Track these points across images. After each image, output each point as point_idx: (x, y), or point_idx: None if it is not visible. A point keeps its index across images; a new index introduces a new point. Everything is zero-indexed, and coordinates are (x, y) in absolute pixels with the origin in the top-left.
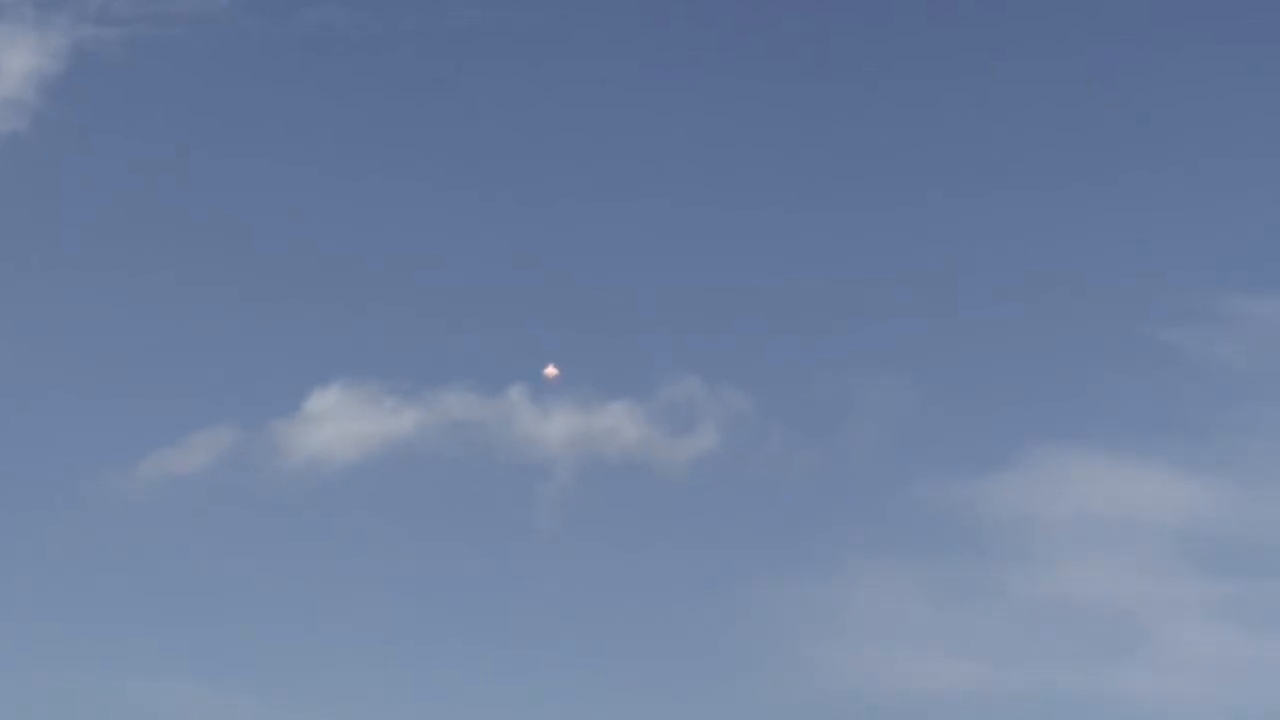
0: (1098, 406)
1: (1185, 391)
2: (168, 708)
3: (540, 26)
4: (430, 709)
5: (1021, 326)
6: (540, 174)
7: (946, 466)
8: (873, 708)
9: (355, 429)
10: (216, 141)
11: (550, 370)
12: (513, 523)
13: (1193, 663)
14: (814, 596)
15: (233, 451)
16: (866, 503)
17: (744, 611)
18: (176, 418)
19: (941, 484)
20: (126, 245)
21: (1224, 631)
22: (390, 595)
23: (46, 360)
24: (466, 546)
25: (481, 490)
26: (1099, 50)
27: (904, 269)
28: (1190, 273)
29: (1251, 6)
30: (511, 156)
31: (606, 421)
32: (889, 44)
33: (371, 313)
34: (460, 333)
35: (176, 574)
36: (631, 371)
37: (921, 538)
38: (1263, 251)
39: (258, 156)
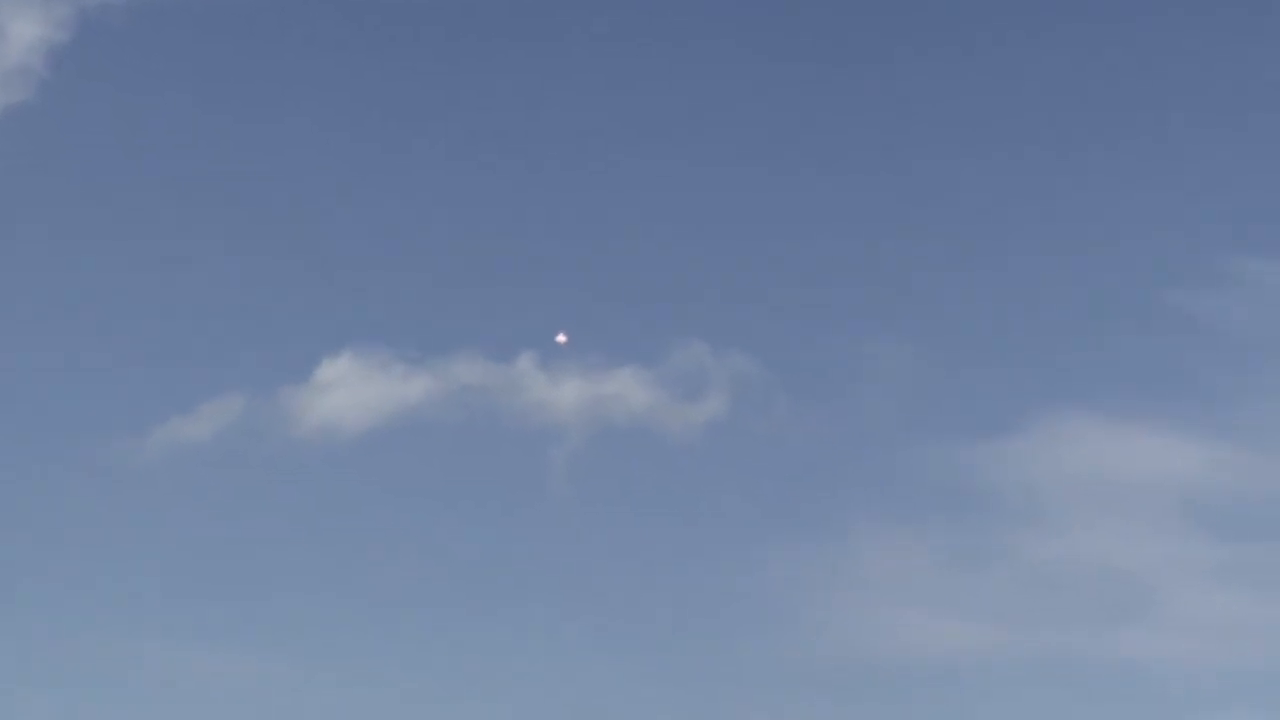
0: (1106, 370)
1: (1194, 355)
2: (179, 671)
3: None
4: (441, 673)
5: (1030, 290)
6: (547, 141)
7: (955, 431)
8: (881, 671)
9: (365, 396)
10: (222, 108)
11: (560, 337)
12: (523, 488)
13: (1200, 625)
14: (822, 560)
15: (244, 419)
16: (875, 467)
17: (753, 575)
18: (189, 386)
19: (950, 448)
20: (135, 214)
21: (1232, 594)
22: (401, 560)
23: (57, 330)
24: (477, 512)
25: (491, 456)
26: (1110, 12)
27: (912, 233)
28: (1200, 235)
29: None
30: (518, 123)
31: (615, 387)
32: (898, 3)
33: (381, 281)
34: (469, 300)
35: (189, 540)
36: (640, 337)
37: (929, 502)
38: (1274, 213)
39: (265, 123)
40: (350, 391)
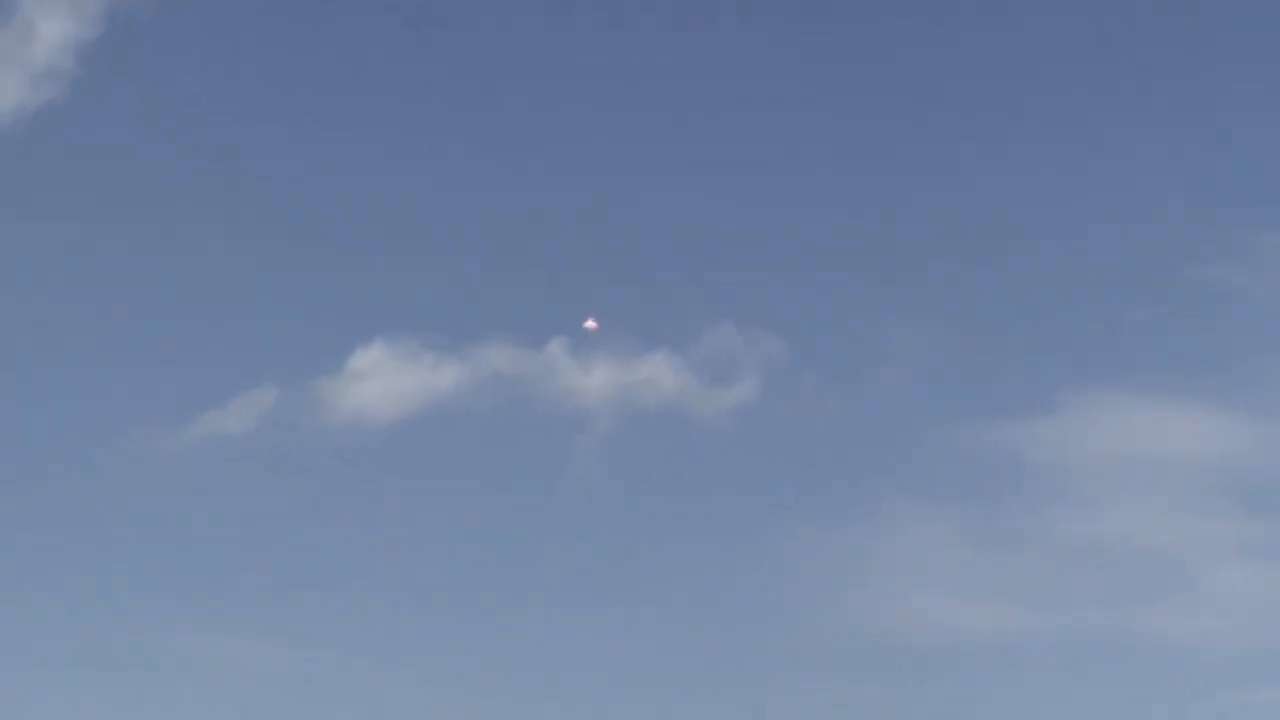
0: (1134, 348)
1: (1222, 330)
2: (212, 659)
3: None
4: (472, 659)
5: (1057, 269)
6: (576, 129)
7: (984, 411)
8: (912, 652)
9: (398, 386)
10: (252, 102)
11: (590, 323)
12: (554, 475)
13: (1232, 601)
14: (853, 542)
15: (278, 411)
16: (904, 448)
17: (783, 558)
18: (223, 379)
19: (979, 429)
20: (167, 208)
21: (1263, 570)
22: (434, 547)
23: (91, 325)
24: (509, 499)
25: (523, 444)
26: None
27: (940, 214)
28: (1226, 210)
29: None
30: (547, 113)
31: (645, 372)
32: None
33: (411, 271)
34: (499, 288)
35: (223, 531)
36: (669, 322)
37: (960, 483)
38: None
39: (295, 115)
40: (382, 381)
